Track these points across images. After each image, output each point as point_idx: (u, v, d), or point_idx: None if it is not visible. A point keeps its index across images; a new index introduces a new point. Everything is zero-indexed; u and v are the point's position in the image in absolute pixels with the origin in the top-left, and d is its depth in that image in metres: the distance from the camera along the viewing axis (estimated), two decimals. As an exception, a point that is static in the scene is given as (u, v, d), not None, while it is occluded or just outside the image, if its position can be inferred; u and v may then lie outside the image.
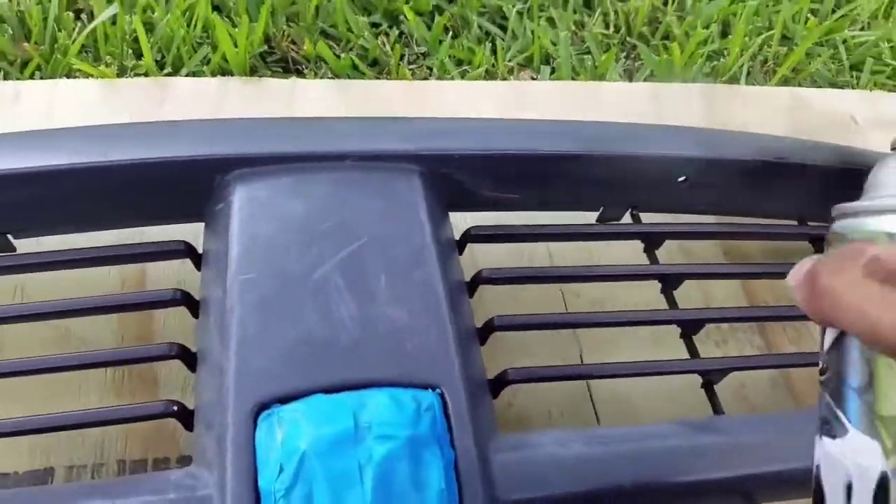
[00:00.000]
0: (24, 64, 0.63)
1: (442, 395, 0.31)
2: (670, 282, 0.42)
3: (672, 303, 0.41)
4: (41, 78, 0.62)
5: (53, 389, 0.41)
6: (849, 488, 0.20)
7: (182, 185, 0.39)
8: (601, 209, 0.45)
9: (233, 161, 0.38)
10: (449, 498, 0.28)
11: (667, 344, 0.45)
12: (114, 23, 0.64)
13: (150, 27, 0.65)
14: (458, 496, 0.29)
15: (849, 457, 0.20)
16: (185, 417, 0.33)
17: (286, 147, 0.39)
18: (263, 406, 0.30)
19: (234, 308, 0.33)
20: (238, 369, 0.31)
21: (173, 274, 0.46)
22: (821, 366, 0.22)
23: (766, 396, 0.48)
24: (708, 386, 0.39)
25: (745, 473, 0.32)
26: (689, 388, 0.43)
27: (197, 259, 0.39)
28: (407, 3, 0.69)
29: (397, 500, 0.27)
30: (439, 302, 0.34)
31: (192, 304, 0.37)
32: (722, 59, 0.69)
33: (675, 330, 0.42)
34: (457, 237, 0.41)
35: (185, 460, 0.40)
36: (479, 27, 0.71)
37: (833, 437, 0.20)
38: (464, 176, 0.41)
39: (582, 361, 0.46)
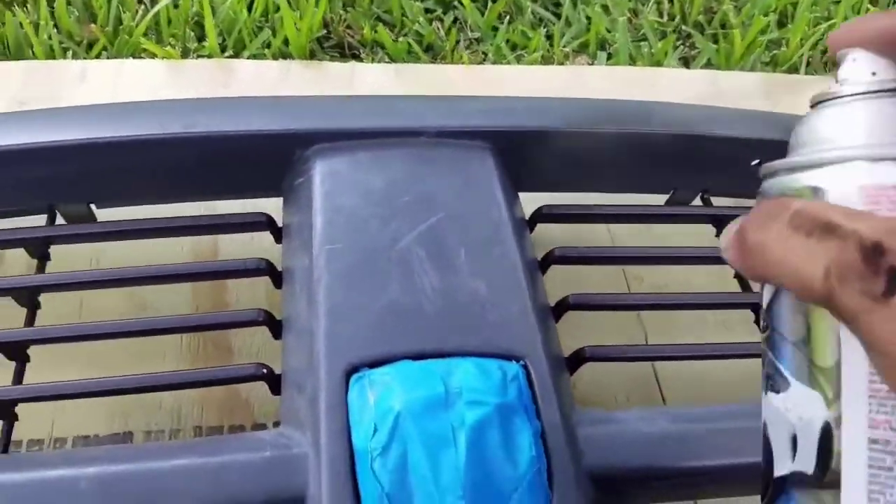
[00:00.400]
0: (90, 45, 0.65)
1: (525, 367, 0.32)
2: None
3: (745, 287, 0.41)
4: (107, 58, 0.63)
5: (133, 356, 0.42)
6: (794, 440, 0.20)
7: (263, 159, 0.39)
8: (671, 192, 0.45)
9: (314, 135, 0.39)
10: (538, 466, 0.29)
11: (736, 332, 0.44)
12: (176, 6, 0.65)
13: (211, 10, 0.66)
14: (546, 465, 0.29)
15: (792, 410, 0.20)
16: (273, 381, 0.34)
17: (365, 123, 0.40)
18: (354, 369, 0.31)
19: (322, 277, 0.33)
20: (329, 334, 0.32)
21: (243, 248, 0.47)
22: (762, 323, 0.22)
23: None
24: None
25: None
26: (758, 374, 0.43)
27: (276, 232, 0.40)
28: (462, -11, 0.70)
29: (490, 464, 0.28)
30: (518, 276, 0.35)
31: (275, 275, 0.38)
32: (781, 49, 0.68)
33: (744, 318, 0.42)
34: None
35: (258, 427, 0.41)
36: (533, 13, 0.71)
37: (777, 391, 0.21)
38: (535, 154, 0.41)
39: (648, 344, 0.46)
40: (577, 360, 0.36)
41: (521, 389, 0.30)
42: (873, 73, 0.21)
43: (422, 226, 0.36)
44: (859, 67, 0.21)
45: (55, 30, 0.63)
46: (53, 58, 0.62)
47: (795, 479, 0.20)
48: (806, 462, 0.20)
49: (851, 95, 0.21)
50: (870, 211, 0.19)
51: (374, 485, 0.27)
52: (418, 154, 0.39)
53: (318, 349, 0.31)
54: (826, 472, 0.19)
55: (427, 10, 0.71)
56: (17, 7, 0.65)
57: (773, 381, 0.21)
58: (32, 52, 0.63)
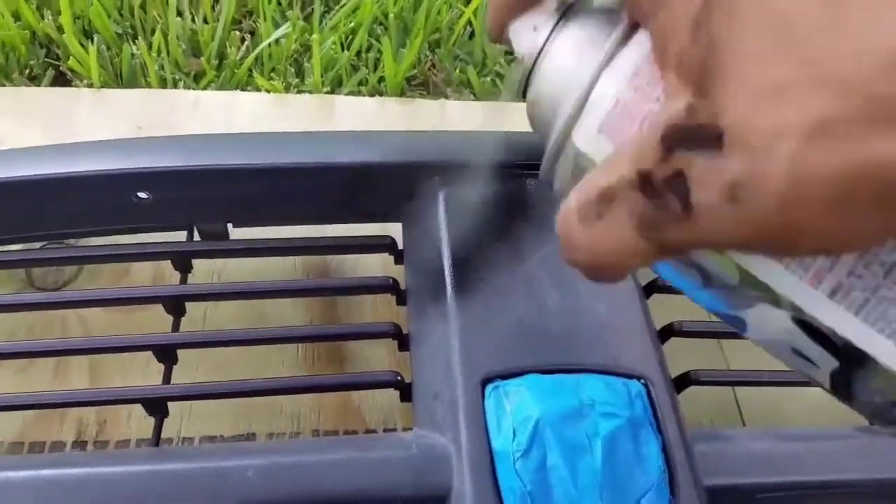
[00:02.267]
0: (196, 77, 0.70)
1: (646, 385, 0.34)
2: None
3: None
4: (215, 89, 0.68)
5: (252, 365, 0.46)
6: (797, 352, 0.20)
7: (390, 188, 0.43)
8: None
9: (438, 167, 0.43)
10: (665, 474, 0.31)
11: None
12: (277, 42, 0.70)
13: (307, 48, 0.71)
14: (668, 475, 0.32)
15: (769, 332, 0.20)
16: (404, 388, 0.37)
17: (482, 156, 0.43)
18: (489, 380, 0.34)
19: (454, 295, 0.37)
20: (464, 347, 0.35)
21: (349, 267, 0.51)
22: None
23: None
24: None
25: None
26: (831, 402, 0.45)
27: (397, 253, 0.43)
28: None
29: (623, 470, 0.31)
30: (635, 300, 0.38)
31: (399, 292, 0.41)
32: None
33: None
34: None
35: (370, 432, 0.44)
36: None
37: (745, 331, 0.21)
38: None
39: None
40: (685, 382, 0.39)
41: (645, 405, 0.33)
42: (534, 29, 0.21)
43: (540, 251, 0.39)
44: (520, 35, 0.22)
45: (167, 61, 0.68)
46: (165, 87, 0.67)
47: (837, 375, 0.20)
48: (825, 361, 0.20)
49: (534, 64, 0.21)
50: (617, 143, 0.19)
51: (516, 483, 0.30)
52: (531, 186, 0.42)
53: (455, 360, 0.34)
54: (844, 354, 0.19)
55: (506, 53, 0.76)
56: (129, 40, 0.70)
57: (739, 327, 0.21)
58: (146, 80, 0.68)
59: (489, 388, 0.34)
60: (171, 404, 0.38)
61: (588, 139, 0.20)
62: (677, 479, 0.31)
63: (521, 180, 0.42)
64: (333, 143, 0.43)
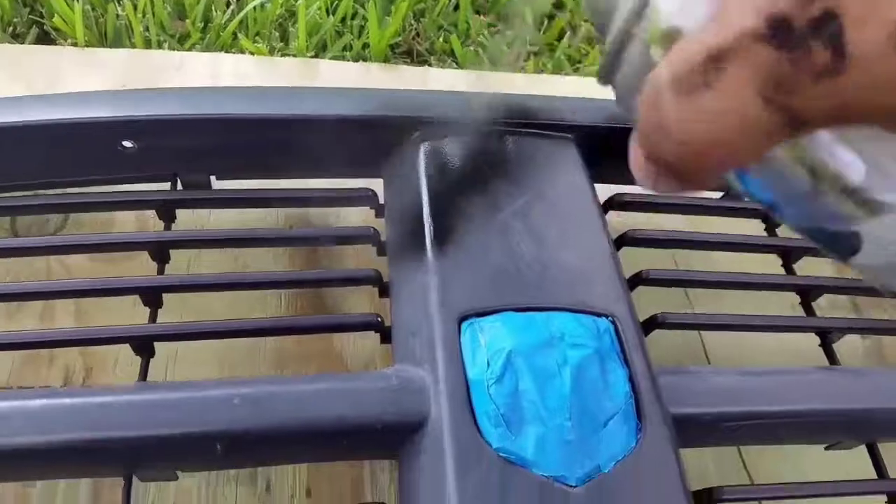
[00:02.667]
0: (181, 39, 0.70)
1: (614, 323, 0.36)
2: (792, 256, 0.47)
3: (788, 270, 0.46)
4: (199, 51, 0.68)
5: (236, 312, 0.47)
6: None
7: (370, 141, 0.44)
8: (726, 191, 0.50)
9: (418, 122, 0.44)
10: (631, 400, 0.33)
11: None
12: (263, 7, 0.71)
13: (292, 13, 0.72)
14: (635, 401, 0.33)
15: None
16: (383, 330, 0.38)
17: (461, 114, 0.45)
18: (464, 317, 0.35)
19: (433, 243, 0.38)
20: (442, 289, 0.36)
21: (328, 219, 0.52)
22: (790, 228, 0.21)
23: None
24: (826, 345, 0.44)
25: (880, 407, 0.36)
26: (805, 350, 0.47)
27: (378, 207, 0.45)
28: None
29: (590, 395, 0.32)
30: (605, 248, 0.39)
31: (379, 243, 0.43)
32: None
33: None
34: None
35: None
36: (588, 31, 0.76)
37: (857, 251, 0.19)
38: (612, 147, 0.46)
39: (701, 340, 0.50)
40: (652, 324, 0.40)
41: (612, 339, 0.35)
42: None
43: (517, 203, 0.41)
44: None
45: (152, 23, 0.69)
46: (150, 48, 0.68)
47: None
48: None
49: None
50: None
51: (490, 406, 0.32)
52: (511, 142, 0.44)
53: (432, 301, 0.36)
54: None
55: (490, 25, 0.77)
56: (114, 1, 0.70)
57: (845, 246, 0.18)
58: (131, 41, 0.68)
59: (465, 324, 0.35)
60: (156, 352, 0.39)
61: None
62: (643, 406, 0.33)
63: (499, 136, 0.44)
64: (316, 97, 0.44)
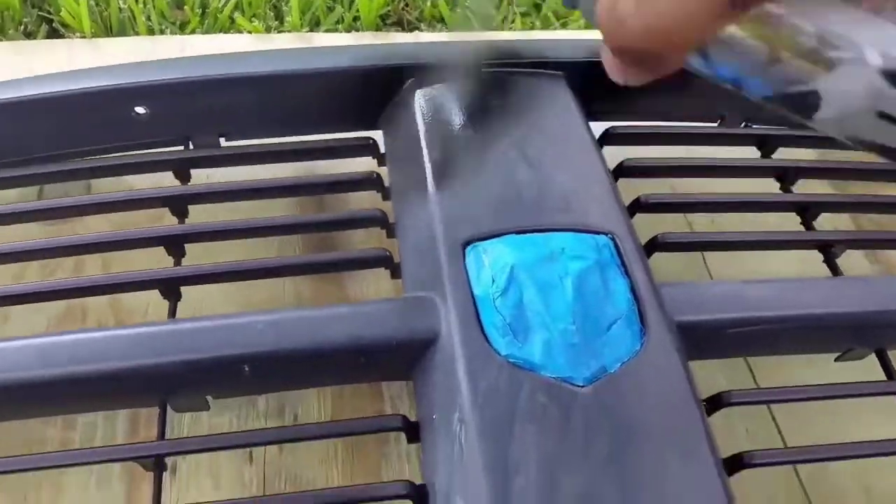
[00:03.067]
0: (182, 25, 0.72)
1: (614, 240, 0.37)
2: (789, 177, 0.48)
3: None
4: (199, 35, 0.70)
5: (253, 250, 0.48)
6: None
7: (368, 92, 0.46)
8: (720, 120, 0.51)
9: (409, 70, 0.45)
10: (633, 307, 0.35)
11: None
12: (258, -11, 0.73)
13: (285, -8, 0.74)
14: (638, 309, 0.35)
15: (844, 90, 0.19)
16: (393, 265, 0.40)
17: (452, 60, 0.46)
18: (468, 242, 0.37)
19: (434, 176, 0.40)
20: (445, 217, 0.38)
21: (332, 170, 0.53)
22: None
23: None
24: (829, 260, 0.45)
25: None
26: (810, 272, 0.48)
27: (379, 156, 0.47)
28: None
29: (593, 302, 0.34)
30: (601, 173, 0.41)
31: (383, 188, 0.44)
32: None
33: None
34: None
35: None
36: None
37: (817, 110, 0.20)
38: (603, 83, 0.48)
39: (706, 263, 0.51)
40: (652, 246, 0.42)
41: (612, 253, 0.36)
42: None
43: (514, 134, 0.42)
44: None
45: (153, 12, 0.71)
46: (153, 36, 0.70)
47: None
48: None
49: None
50: None
51: (497, 317, 0.34)
52: (505, 81, 0.45)
53: (437, 231, 0.38)
54: None
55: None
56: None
57: (810, 106, 0.20)
58: (135, 31, 0.70)
59: (469, 249, 0.37)
60: (182, 305, 0.41)
61: None
62: (646, 312, 0.34)
63: (491, 77, 0.45)
64: (313, 53, 0.46)
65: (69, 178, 0.46)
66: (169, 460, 0.38)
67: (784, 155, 0.51)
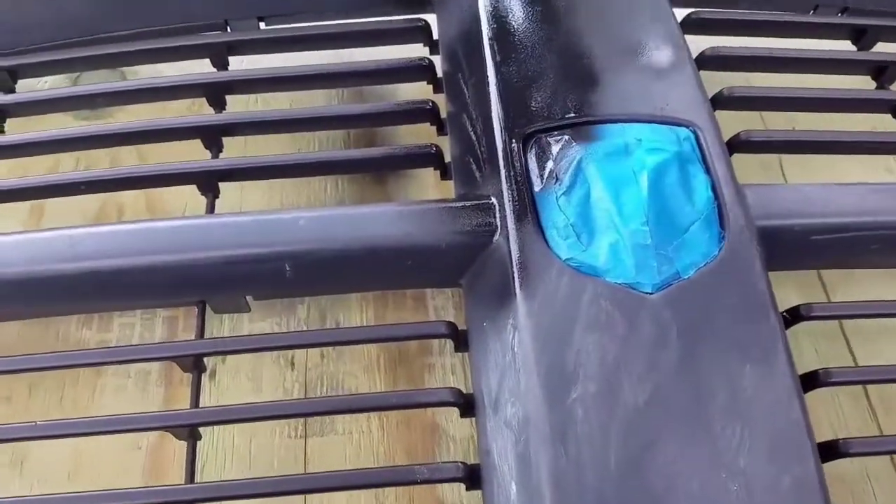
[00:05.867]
0: None
1: (695, 132, 0.33)
2: (887, 73, 0.43)
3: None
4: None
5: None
6: None
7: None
8: (813, 9, 0.45)
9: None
10: (714, 206, 0.31)
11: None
12: None
13: None
14: (718, 210, 0.31)
15: None
16: (443, 165, 0.37)
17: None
18: (530, 134, 0.33)
19: (491, 57, 0.36)
20: (505, 104, 0.34)
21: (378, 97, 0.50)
22: None
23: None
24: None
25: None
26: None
27: (432, 43, 0.42)
28: None
29: (670, 200, 0.30)
30: (686, 61, 0.36)
31: (435, 78, 0.40)
32: None
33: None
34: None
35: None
36: None
37: None
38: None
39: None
40: (733, 145, 0.37)
41: (693, 147, 0.32)
42: None
43: (587, 15, 0.38)
44: None
45: None
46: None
47: None
48: None
49: None
50: None
51: (559, 216, 0.30)
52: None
53: (495, 118, 0.34)
54: None
55: None
56: None
57: None
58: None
59: (531, 141, 0.33)
60: (221, 205, 0.39)
61: None
62: (727, 213, 0.31)
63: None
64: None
65: (103, 64, 0.44)
66: (208, 364, 0.37)
67: (884, 49, 0.45)
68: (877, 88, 0.42)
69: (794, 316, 0.33)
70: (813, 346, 0.41)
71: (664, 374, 0.27)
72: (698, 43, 0.45)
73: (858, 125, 0.44)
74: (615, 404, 0.27)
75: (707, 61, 0.41)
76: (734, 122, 0.39)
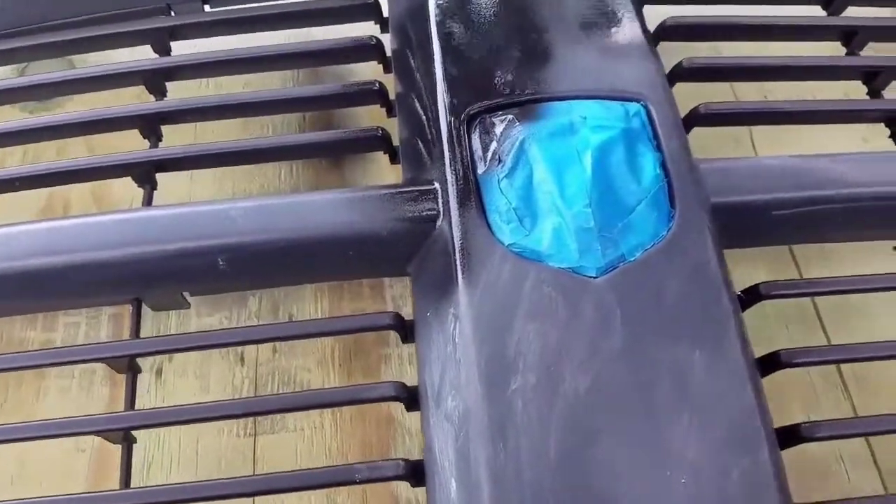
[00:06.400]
0: None
1: (646, 107, 0.32)
2: (857, 39, 0.41)
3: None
4: None
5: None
6: None
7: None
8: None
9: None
10: (661, 184, 0.29)
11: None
12: None
13: None
14: (668, 186, 0.30)
15: None
16: (391, 148, 0.35)
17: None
18: (474, 114, 0.32)
19: (436, 35, 0.34)
20: (450, 84, 0.32)
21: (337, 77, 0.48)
22: None
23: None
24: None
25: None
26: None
27: (382, 21, 0.41)
28: None
29: (615, 179, 0.29)
30: (637, 31, 0.34)
31: (384, 58, 0.39)
32: None
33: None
34: None
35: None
36: None
37: None
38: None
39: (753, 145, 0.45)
40: (692, 119, 0.36)
41: (643, 122, 0.31)
42: None
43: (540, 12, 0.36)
44: None
45: None
46: None
47: None
48: None
49: None
50: None
51: (501, 201, 0.29)
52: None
53: (440, 99, 0.32)
54: None
55: None
56: None
57: None
58: None
59: (475, 122, 0.31)
60: (167, 198, 0.37)
61: None
62: (678, 191, 0.29)
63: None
64: None
65: (44, 54, 0.42)
66: (154, 362, 0.36)
67: (854, 14, 0.43)
68: (847, 55, 0.40)
69: (753, 296, 0.32)
70: (784, 326, 0.39)
71: (607, 362, 0.26)
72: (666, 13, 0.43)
73: (834, 95, 0.42)
74: (556, 395, 0.25)
75: (669, 32, 0.39)
76: (703, 96, 0.38)
